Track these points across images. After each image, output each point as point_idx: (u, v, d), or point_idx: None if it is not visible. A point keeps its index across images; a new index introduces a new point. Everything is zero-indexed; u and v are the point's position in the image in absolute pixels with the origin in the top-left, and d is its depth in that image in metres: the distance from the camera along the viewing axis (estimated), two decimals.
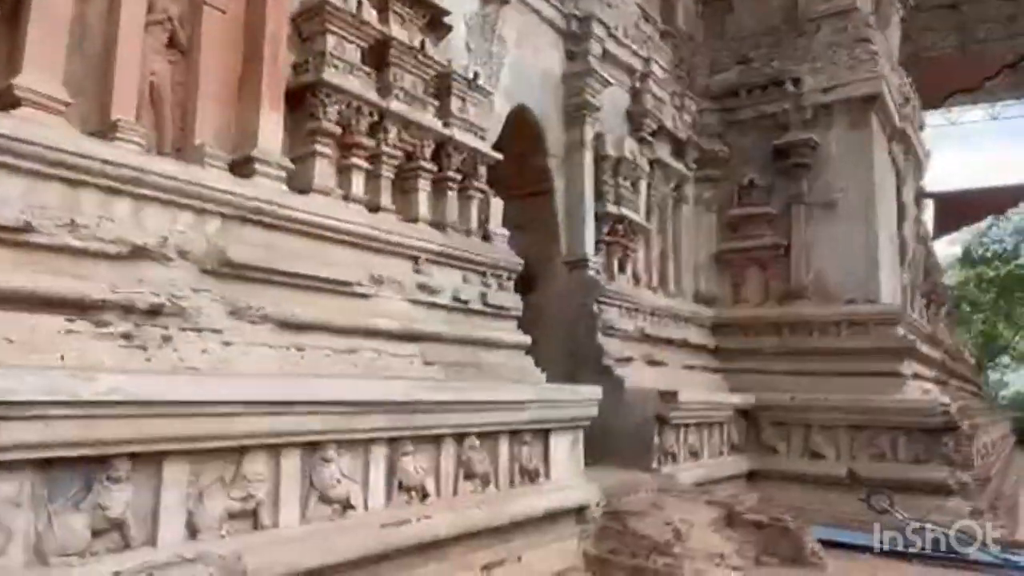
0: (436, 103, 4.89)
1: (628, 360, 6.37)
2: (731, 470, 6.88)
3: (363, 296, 4.04)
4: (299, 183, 4.02)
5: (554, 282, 6.63)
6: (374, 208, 4.38)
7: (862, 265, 7.68)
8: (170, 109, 3.62)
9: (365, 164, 4.35)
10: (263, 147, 3.81)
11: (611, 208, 6.68)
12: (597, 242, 6.66)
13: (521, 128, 6.32)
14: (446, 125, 4.86)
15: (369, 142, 4.35)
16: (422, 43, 4.65)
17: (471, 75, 5.06)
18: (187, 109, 3.66)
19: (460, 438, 3.83)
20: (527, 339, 5.14)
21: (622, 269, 6.93)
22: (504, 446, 4.10)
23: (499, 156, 5.23)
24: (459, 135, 4.89)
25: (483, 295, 4.85)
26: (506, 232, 5.36)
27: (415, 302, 4.38)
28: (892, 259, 8.10)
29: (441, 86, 4.98)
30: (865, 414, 6.89)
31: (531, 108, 6.24)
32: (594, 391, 4.72)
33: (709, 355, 8.08)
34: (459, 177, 4.95)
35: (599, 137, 6.83)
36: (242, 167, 3.73)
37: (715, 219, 8.62)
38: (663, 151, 7.78)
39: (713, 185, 8.62)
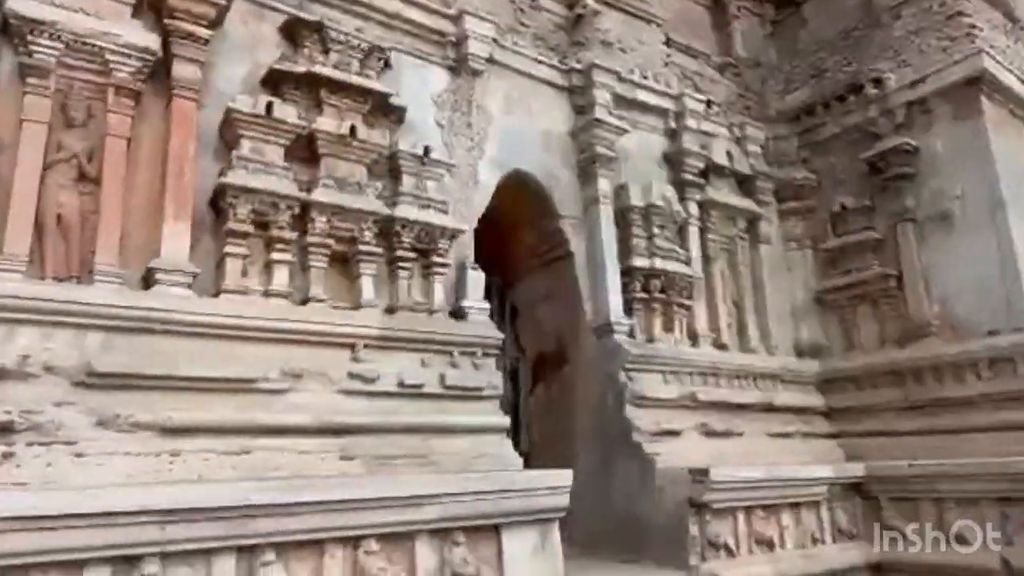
0: (379, 185, 4.81)
1: (672, 434, 5.50)
2: (836, 563, 5.53)
3: (272, 392, 3.93)
4: (215, 285, 4.10)
5: (583, 353, 6.03)
6: (303, 300, 4.31)
7: (1000, 284, 6.07)
8: (79, 235, 3.89)
9: (288, 257, 4.34)
10: (167, 257, 3.96)
11: (641, 262, 6.01)
12: (629, 302, 5.98)
13: (522, 193, 6.01)
14: (393, 204, 4.74)
15: (291, 235, 4.34)
16: (352, 130, 4.65)
17: (421, 151, 4.92)
18: (96, 233, 3.91)
19: (353, 542, 3.45)
20: (501, 421, 4.68)
21: (669, 328, 6.13)
22: (424, 549, 3.63)
23: (463, 228, 5.01)
24: (409, 213, 4.74)
25: (442, 377, 4.50)
26: (485, 306, 5.03)
27: (347, 392, 4.19)
28: None
29: (392, 166, 4.90)
30: (1018, 482, 5.22)
31: (530, 172, 5.93)
32: (561, 476, 4.08)
33: (818, 418, 6.76)
34: (412, 255, 4.76)
35: (622, 188, 6.26)
36: (146, 279, 3.88)
37: (810, 256, 7.42)
38: (720, 190, 6.94)
39: (802, 218, 7.49)
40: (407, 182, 4.91)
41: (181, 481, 3.29)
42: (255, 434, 3.76)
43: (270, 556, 3.20)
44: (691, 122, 6.84)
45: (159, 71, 4.19)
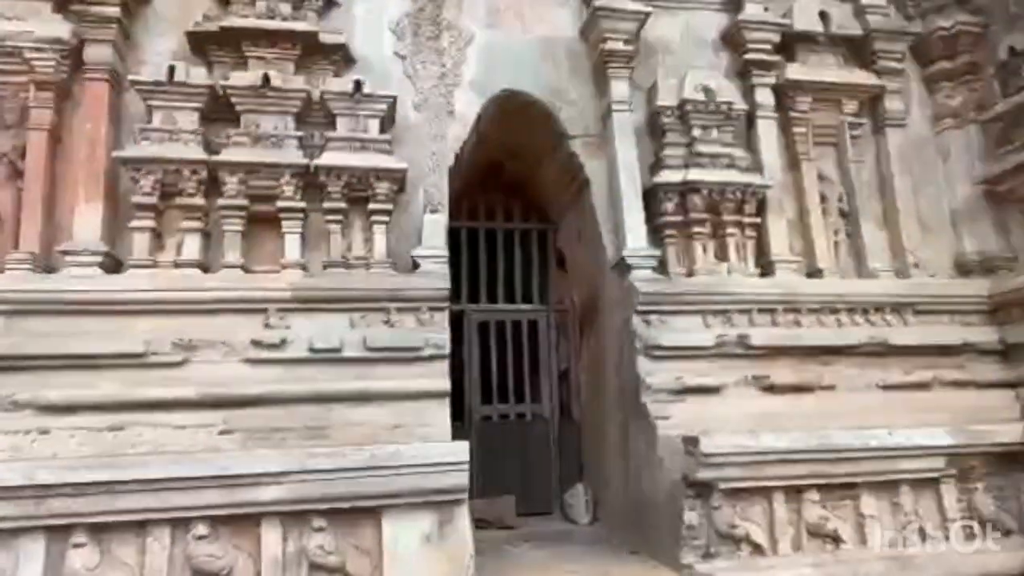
0: (310, 134, 4.41)
1: (704, 391, 4.28)
2: (966, 569, 3.79)
3: (163, 365, 3.82)
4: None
5: (606, 298, 5.00)
6: (216, 267, 4.12)
7: None
8: (13, 229, 4.14)
9: (199, 225, 4.18)
10: (78, 237, 4.06)
11: (669, 176, 4.75)
12: (659, 228, 4.79)
13: (518, 117, 5.13)
14: (322, 151, 4.31)
15: (201, 202, 4.17)
16: (264, 79, 4.30)
17: (351, 88, 4.40)
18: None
19: (184, 524, 3.16)
20: (438, 385, 4.04)
21: (722, 256, 4.78)
22: (271, 534, 3.21)
23: (403, 167, 4.37)
24: (335, 159, 4.28)
25: (364, 339, 4.00)
26: (441, 253, 4.41)
27: (251, 362, 3.94)
28: None
29: (327, 111, 4.47)
30: None
31: (524, 91, 5.01)
32: (454, 450, 3.34)
33: (985, 359, 4.81)
34: (342, 206, 4.30)
35: (652, 89, 5.01)
36: (57, 260, 4.01)
37: (975, 134, 5.27)
38: (810, 66, 5.23)
39: (959, 83, 5.35)
40: (341, 125, 4.44)
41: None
42: (134, 410, 3.67)
43: (81, 538, 3.04)
44: None
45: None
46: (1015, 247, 5.05)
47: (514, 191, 6.07)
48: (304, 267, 4.23)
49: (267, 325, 4.02)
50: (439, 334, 4.15)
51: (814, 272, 4.90)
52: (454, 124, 4.83)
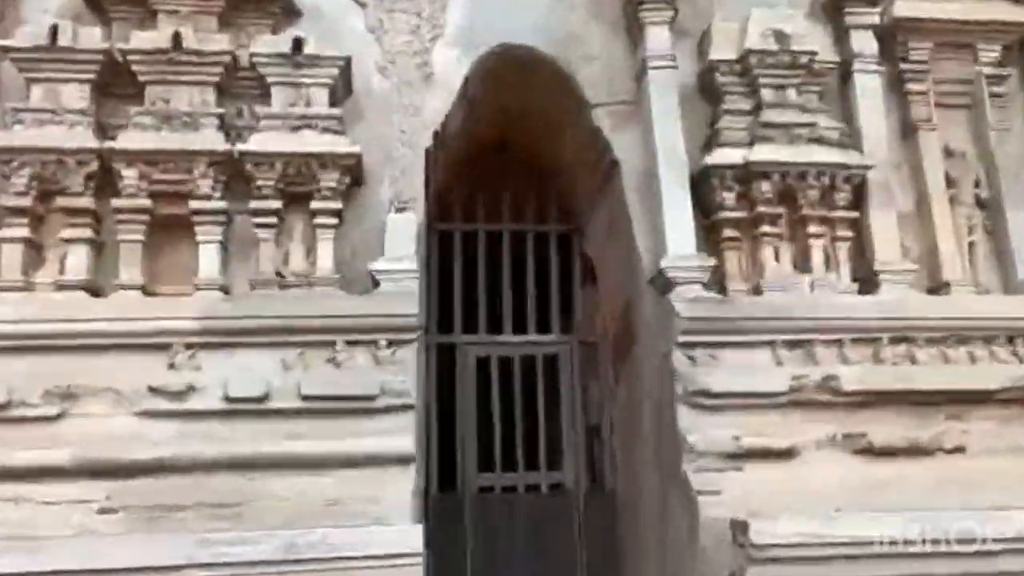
0: (238, 110, 4.45)
1: (772, 454, 4.10)
2: None
3: (34, 420, 3.85)
4: None
5: (643, 322, 4.86)
6: (109, 289, 4.17)
7: None
8: None
9: (87, 234, 4.24)
10: None
11: (726, 156, 4.58)
12: (713, 228, 4.65)
13: (519, 81, 5.08)
14: (251, 132, 4.34)
15: (89, 203, 4.23)
16: (175, 39, 4.35)
17: (288, 48, 4.42)
18: None
19: None
20: (398, 445, 3.98)
21: (802, 266, 4.60)
22: None
23: (355, 151, 4.36)
24: (266, 143, 4.30)
25: (298, 385, 3.98)
26: (408, 267, 4.36)
27: (148, 415, 3.95)
28: None
29: (258, 80, 4.52)
30: None
31: (529, 44, 4.95)
32: (405, 536, 3.27)
33: None
34: (275, 206, 4.31)
35: (705, 37, 4.89)
36: None
37: None
38: (937, 1, 5.02)
39: None
40: (276, 97, 4.45)
41: None
42: None
43: None
44: None
45: None
46: None
47: (525, 179, 5.99)
48: (224, 287, 4.22)
49: (171, 366, 4.01)
50: (401, 377, 4.07)
51: (938, 286, 4.67)
52: (433, 92, 4.79)
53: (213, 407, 3.94)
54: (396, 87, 4.76)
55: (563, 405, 5.69)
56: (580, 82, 4.96)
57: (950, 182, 4.91)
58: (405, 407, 4.05)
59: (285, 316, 4.11)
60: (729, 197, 4.61)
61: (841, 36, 4.96)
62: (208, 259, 4.26)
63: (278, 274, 4.30)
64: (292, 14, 4.76)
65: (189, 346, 4.04)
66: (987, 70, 5.02)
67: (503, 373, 5.66)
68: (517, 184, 5.98)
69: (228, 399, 3.95)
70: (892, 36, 4.95)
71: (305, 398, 3.99)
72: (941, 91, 5.00)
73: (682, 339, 4.28)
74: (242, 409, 3.96)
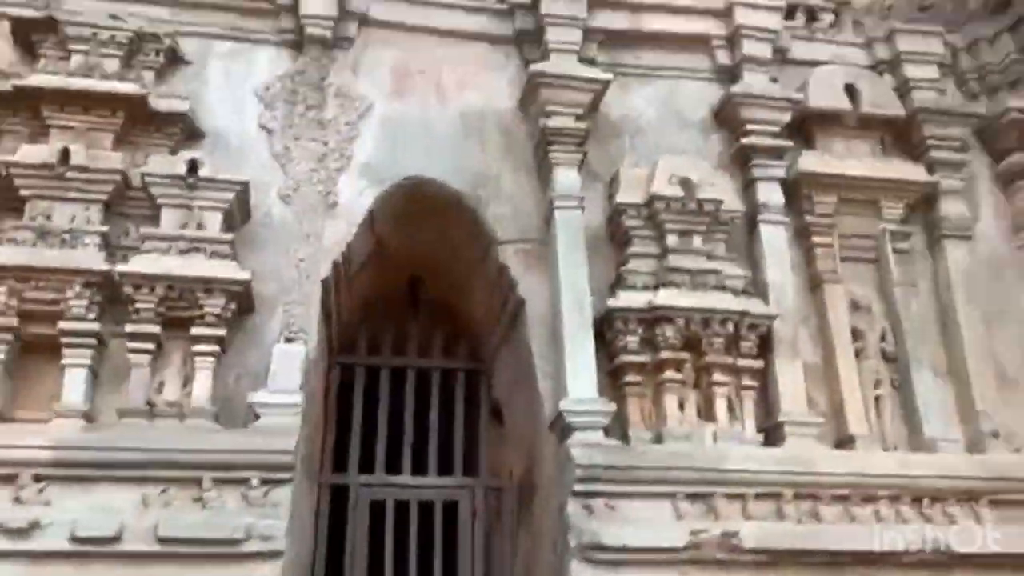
0: (105, 230, 4.30)
1: None
2: None
3: None
4: None
5: (543, 471, 4.66)
6: None
7: None
8: None
9: None
10: None
11: (630, 299, 4.51)
12: (617, 372, 4.52)
13: (427, 215, 5.01)
14: (132, 254, 4.16)
15: None
16: (63, 155, 4.24)
17: (183, 169, 4.30)
18: None
19: None
20: None
21: (706, 414, 4.47)
22: None
23: (244, 277, 4.19)
24: (146, 265, 4.12)
25: (156, 526, 3.66)
26: (290, 400, 4.17)
27: None
28: None
29: (150, 201, 4.38)
30: None
31: (438, 179, 4.91)
32: None
33: None
34: (152, 331, 4.08)
35: (613, 180, 4.91)
36: None
37: None
38: (834, 155, 5.18)
39: None
40: (166, 218, 4.33)
41: None
42: None
43: None
44: (758, 48, 5.23)
45: None
46: None
47: (434, 314, 5.86)
48: (88, 415, 3.95)
49: (16, 500, 3.68)
50: (271, 520, 3.77)
51: (844, 440, 4.57)
52: (336, 221, 4.70)
53: (60, 547, 3.60)
54: (297, 215, 4.66)
55: (460, 557, 5.32)
56: (489, 218, 4.93)
57: (857, 335, 4.89)
58: (273, 553, 3.73)
59: (148, 449, 3.84)
60: (633, 341, 4.50)
61: (748, 186, 5.02)
62: (73, 384, 4.00)
63: (149, 403, 4.03)
64: (194, 136, 4.71)
65: (39, 478, 3.72)
66: (891, 227, 5.09)
67: (399, 518, 5.30)
68: (426, 320, 5.84)
69: (75, 539, 3.61)
70: (798, 189, 5.02)
71: (162, 540, 3.65)
72: (847, 245, 5.05)
73: (578, 488, 4.07)
74: (90, 551, 3.62)
